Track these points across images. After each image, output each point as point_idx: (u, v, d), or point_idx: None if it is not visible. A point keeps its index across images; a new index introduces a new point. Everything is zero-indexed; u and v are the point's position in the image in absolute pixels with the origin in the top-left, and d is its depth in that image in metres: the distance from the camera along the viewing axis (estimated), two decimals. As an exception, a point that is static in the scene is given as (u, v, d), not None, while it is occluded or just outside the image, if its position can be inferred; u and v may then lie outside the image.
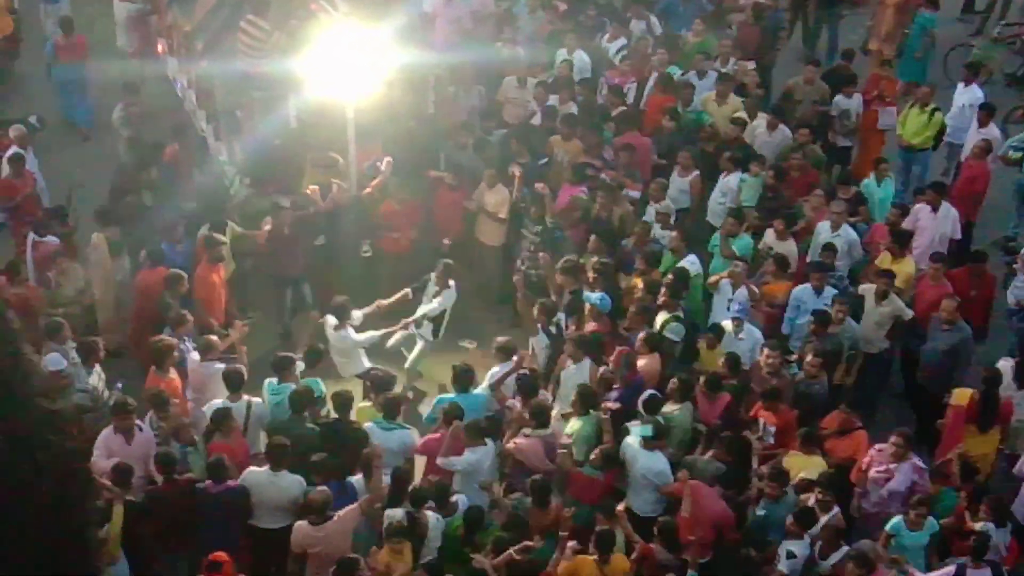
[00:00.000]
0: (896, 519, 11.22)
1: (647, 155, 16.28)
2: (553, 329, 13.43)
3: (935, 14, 19.68)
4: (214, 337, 12.79)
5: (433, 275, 14.17)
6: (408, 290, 14.13)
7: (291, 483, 11.21)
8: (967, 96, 17.45)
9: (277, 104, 15.92)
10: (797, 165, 15.83)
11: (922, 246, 14.79)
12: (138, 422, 11.58)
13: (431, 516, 10.84)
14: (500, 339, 12.98)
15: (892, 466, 11.62)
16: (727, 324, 13.39)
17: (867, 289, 13.89)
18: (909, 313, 13.69)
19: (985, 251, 14.64)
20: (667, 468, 11.65)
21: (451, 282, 14.05)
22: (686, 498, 11.19)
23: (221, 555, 10.19)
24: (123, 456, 11.20)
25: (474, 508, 11.07)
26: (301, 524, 10.81)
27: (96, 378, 12.51)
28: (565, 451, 11.78)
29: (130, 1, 18.88)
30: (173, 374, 12.37)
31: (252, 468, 11.27)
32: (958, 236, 15.06)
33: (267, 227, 14.54)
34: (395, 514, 10.72)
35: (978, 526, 11.24)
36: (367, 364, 13.35)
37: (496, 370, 12.70)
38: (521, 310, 14.11)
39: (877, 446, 11.92)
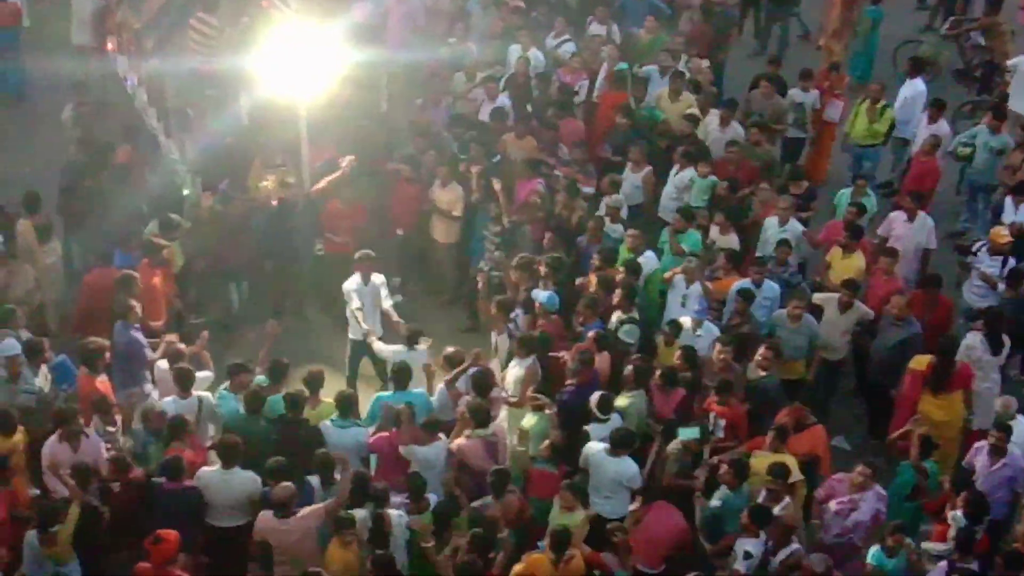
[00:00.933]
0: (875, 550, 11.12)
1: (577, 137, 16.45)
2: (511, 326, 13.45)
3: (881, 7, 19.85)
4: (181, 345, 12.68)
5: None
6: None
7: (244, 480, 11.17)
8: (910, 89, 17.64)
9: (229, 102, 15.84)
10: (735, 159, 15.91)
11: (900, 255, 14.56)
12: (84, 429, 11.50)
13: (394, 514, 10.84)
14: (449, 350, 12.91)
15: (856, 496, 11.48)
16: (685, 320, 13.44)
17: (827, 299, 13.84)
18: (871, 314, 13.72)
19: (939, 275, 14.34)
20: (637, 471, 11.69)
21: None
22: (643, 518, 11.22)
23: (168, 532, 10.25)
24: (70, 465, 11.11)
25: (443, 503, 11.11)
26: (266, 514, 10.81)
27: (43, 379, 12.43)
28: (523, 450, 11.79)
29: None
30: (104, 376, 12.29)
31: (204, 468, 11.23)
32: (933, 246, 14.89)
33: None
34: (358, 515, 10.70)
35: (948, 515, 11.41)
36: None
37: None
38: (483, 310, 14.10)
39: (837, 476, 11.79)
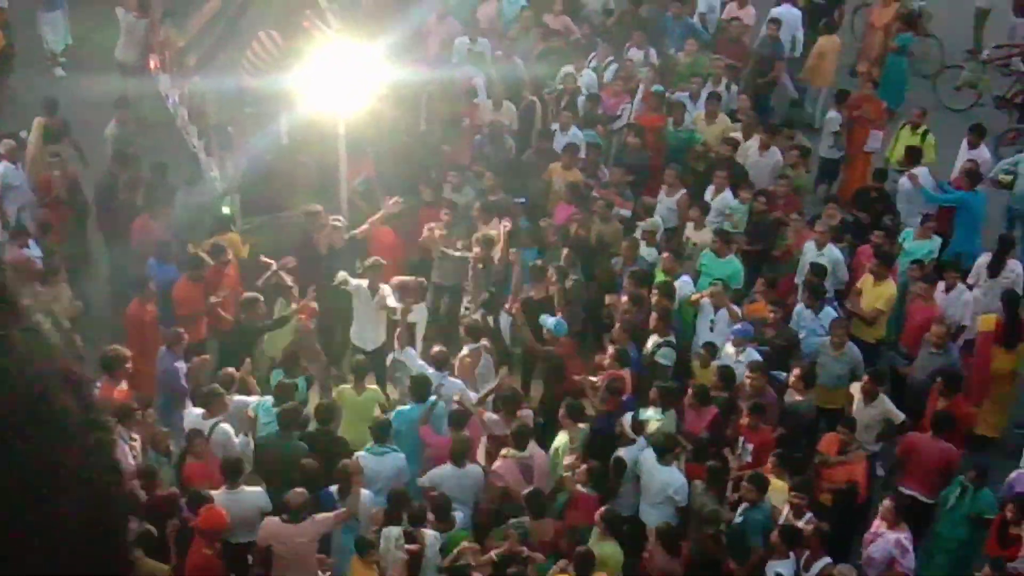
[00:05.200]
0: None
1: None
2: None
3: (913, 35, 19.76)
4: (231, 369, 12.69)
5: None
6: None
7: (251, 497, 11.26)
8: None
9: (268, 120, 15.93)
10: (783, 192, 15.84)
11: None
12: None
13: (429, 534, 10.82)
14: (468, 319, 13.22)
15: (881, 530, 11.35)
16: (729, 347, 13.36)
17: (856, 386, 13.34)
18: (900, 416, 12.88)
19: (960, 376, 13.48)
20: (685, 482, 11.69)
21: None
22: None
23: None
24: None
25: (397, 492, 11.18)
26: (271, 519, 10.86)
27: None
28: (569, 475, 11.74)
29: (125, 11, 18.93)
30: (124, 384, 12.31)
31: (212, 491, 11.15)
32: (967, 323, 14.26)
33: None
34: (392, 532, 10.72)
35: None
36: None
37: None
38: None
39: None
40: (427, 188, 15.71)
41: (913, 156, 16.42)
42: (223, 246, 14.29)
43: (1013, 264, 14.73)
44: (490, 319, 14.15)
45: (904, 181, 16.51)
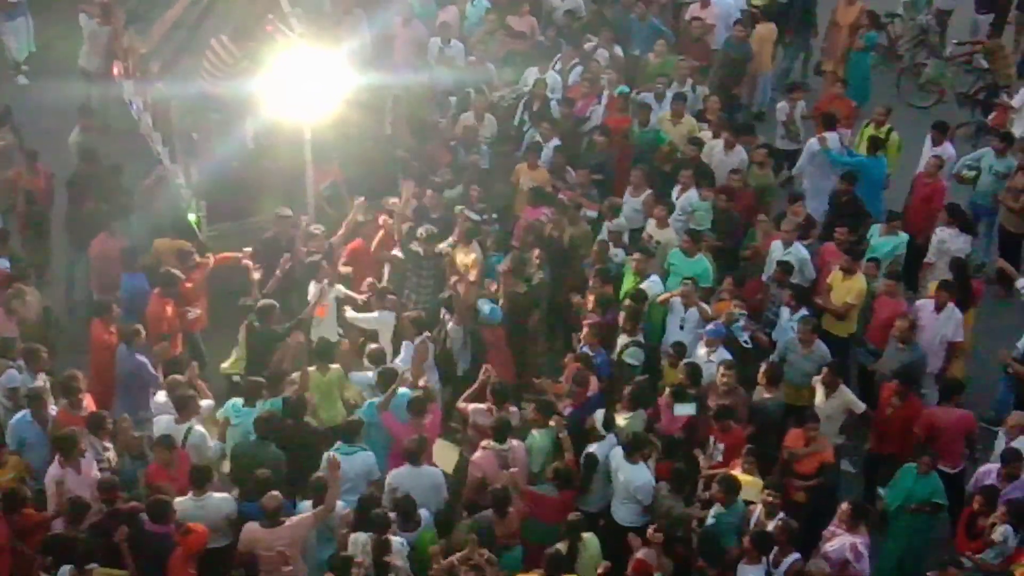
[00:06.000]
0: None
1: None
2: None
3: (876, 32, 19.84)
4: (180, 377, 12.63)
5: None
6: None
7: (218, 503, 11.24)
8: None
9: (234, 126, 15.87)
10: (737, 187, 15.89)
11: (921, 344, 13.90)
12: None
13: (396, 541, 10.83)
14: (410, 313, 13.56)
15: (838, 530, 11.42)
16: (701, 349, 13.41)
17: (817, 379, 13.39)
18: (861, 406, 13.09)
19: (918, 374, 13.70)
20: (650, 481, 11.75)
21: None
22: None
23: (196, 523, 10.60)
24: (77, 488, 11.17)
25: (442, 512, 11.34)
26: (251, 525, 10.87)
27: (40, 383, 12.54)
28: (515, 469, 11.81)
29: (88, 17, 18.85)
30: (87, 405, 12.22)
31: (178, 499, 11.13)
32: (960, 339, 14.20)
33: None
34: (359, 538, 10.73)
35: (997, 531, 11.41)
36: None
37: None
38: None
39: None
40: (409, 180, 15.66)
41: (875, 146, 16.63)
42: (189, 250, 14.30)
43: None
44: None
45: (813, 143, 16.97)
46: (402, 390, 12.47)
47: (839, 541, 11.29)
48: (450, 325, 13.93)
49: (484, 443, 12.01)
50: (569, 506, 11.68)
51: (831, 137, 16.81)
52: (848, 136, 17.52)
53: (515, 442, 12.10)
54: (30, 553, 10.84)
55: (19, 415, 12.08)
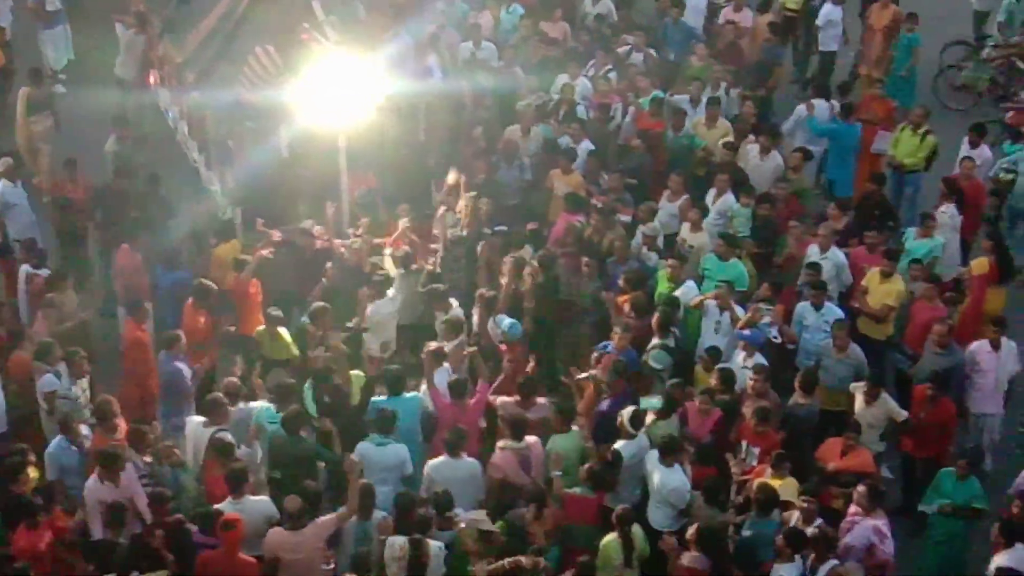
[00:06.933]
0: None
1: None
2: None
3: (918, 33, 19.73)
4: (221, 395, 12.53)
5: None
6: None
7: (257, 506, 11.20)
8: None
9: (269, 134, 15.95)
10: (783, 196, 15.80)
11: (985, 388, 13.57)
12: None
13: (434, 545, 10.77)
14: (450, 315, 13.46)
15: (856, 518, 11.32)
16: (739, 357, 13.35)
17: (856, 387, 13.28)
18: (903, 414, 12.91)
19: (947, 377, 13.35)
20: (684, 484, 11.68)
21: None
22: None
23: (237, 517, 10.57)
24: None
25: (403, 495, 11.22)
26: (275, 529, 10.85)
27: (79, 391, 12.67)
28: (558, 474, 11.73)
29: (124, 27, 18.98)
30: (121, 429, 12.11)
31: (216, 505, 11.12)
32: (1019, 367, 13.87)
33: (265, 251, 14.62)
34: (396, 541, 10.70)
35: None
36: None
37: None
38: None
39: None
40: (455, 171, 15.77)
41: (846, 112, 17.33)
42: (245, 259, 14.39)
43: None
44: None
45: (801, 109, 17.63)
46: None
47: (859, 528, 11.21)
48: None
49: (501, 443, 12.02)
50: (601, 506, 11.64)
51: (819, 105, 17.37)
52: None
53: (531, 439, 12.08)
54: (71, 560, 10.88)
55: (55, 441, 11.97)
